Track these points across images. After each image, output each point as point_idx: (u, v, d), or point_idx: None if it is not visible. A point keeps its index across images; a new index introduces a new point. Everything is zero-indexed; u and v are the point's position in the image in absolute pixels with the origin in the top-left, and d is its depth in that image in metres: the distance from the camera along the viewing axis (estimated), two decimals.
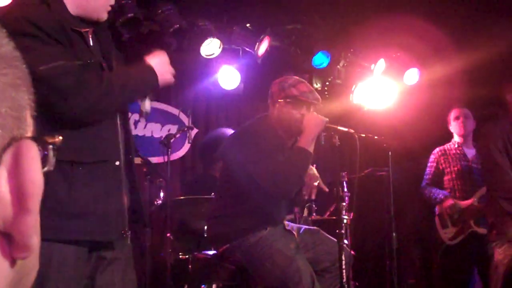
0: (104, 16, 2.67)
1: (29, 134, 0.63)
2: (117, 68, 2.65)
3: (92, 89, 2.45)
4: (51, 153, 0.67)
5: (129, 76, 2.63)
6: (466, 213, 5.35)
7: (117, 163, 2.57)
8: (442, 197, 5.49)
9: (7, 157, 0.58)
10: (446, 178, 5.64)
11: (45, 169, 0.66)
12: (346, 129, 3.75)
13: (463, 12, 6.00)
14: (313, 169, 3.84)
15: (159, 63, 2.72)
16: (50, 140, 0.65)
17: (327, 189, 3.81)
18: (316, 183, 3.83)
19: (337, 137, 3.77)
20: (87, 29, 2.61)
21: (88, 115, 2.47)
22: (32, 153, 0.60)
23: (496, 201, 4.41)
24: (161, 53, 2.77)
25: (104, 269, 2.61)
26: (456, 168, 5.58)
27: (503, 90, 4.74)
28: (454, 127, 5.71)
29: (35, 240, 0.61)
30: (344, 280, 3.57)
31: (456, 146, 5.68)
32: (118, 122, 2.65)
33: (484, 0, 5.92)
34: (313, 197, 3.90)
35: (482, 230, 5.28)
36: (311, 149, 3.63)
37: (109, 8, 2.69)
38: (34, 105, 0.67)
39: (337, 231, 3.59)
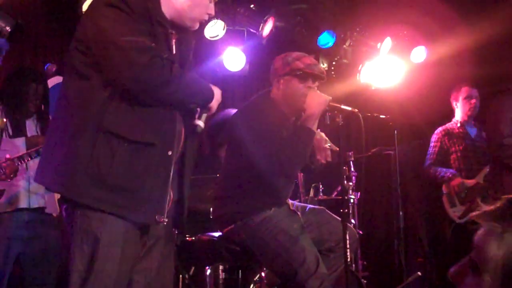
0: (196, 26, 2.77)
1: None
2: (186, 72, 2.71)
3: (160, 74, 2.48)
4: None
5: (196, 80, 2.72)
6: (473, 192, 5.30)
7: (170, 153, 2.60)
8: (450, 175, 5.46)
9: None
10: (452, 157, 5.61)
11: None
12: (349, 108, 3.67)
13: None
14: (321, 133, 3.77)
15: (217, 92, 2.80)
16: None
17: (338, 149, 3.72)
18: (327, 145, 3.76)
19: (340, 116, 3.69)
20: (172, 31, 2.67)
21: (151, 95, 2.51)
22: None
23: (503, 174, 4.37)
24: (218, 89, 2.85)
25: (144, 255, 2.67)
26: (461, 147, 5.56)
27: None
28: (463, 105, 5.65)
29: None
30: (349, 259, 3.52)
31: (459, 125, 5.65)
32: (179, 118, 2.67)
33: None
34: (329, 159, 3.80)
35: (489, 208, 5.22)
36: (314, 127, 3.57)
37: (203, 21, 2.79)
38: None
39: (341, 210, 3.53)
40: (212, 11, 2.78)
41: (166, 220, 2.61)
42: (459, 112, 5.69)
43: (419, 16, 6.21)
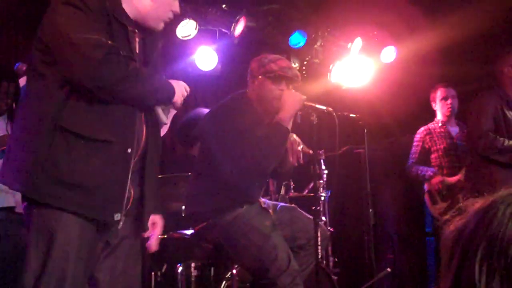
0: (160, 27, 2.72)
1: None
2: (145, 70, 2.67)
3: (118, 68, 2.46)
4: None
5: (154, 77, 2.68)
6: (454, 189, 5.37)
7: (129, 150, 2.57)
8: (431, 173, 5.52)
9: None
10: (433, 156, 5.66)
11: None
12: (324, 108, 3.72)
13: None
14: (293, 135, 3.78)
15: (178, 87, 2.75)
16: None
17: (310, 151, 3.74)
18: (300, 148, 3.78)
19: (315, 115, 3.72)
20: (133, 30, 2.63)
21: (107, 91, 2.47)
22: None
23: (489, 169, 4.42)
24: (182, 83, 2.81)
25: (108, 254, 2.63)
26: (442, 146, 5.60)
27: (497, 62, 4.73)
28: (441, 107, 5.71)
29: None
30: (319, 256, 3.54)
31: (440, 125, 5.70)
32: (140, 115, 2.64)
33: None
34: (301, 161, 3.82)
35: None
36: (289, 126, 3.58)
37: (168, 20, 2.74)
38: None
39: (313, 208, 3.55)
40: (177, 9, 2.74)
41: (124, 218, 2.58)
42: (439, 113, 5.74)
43: (388, 17, 6.26)
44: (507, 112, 4.57)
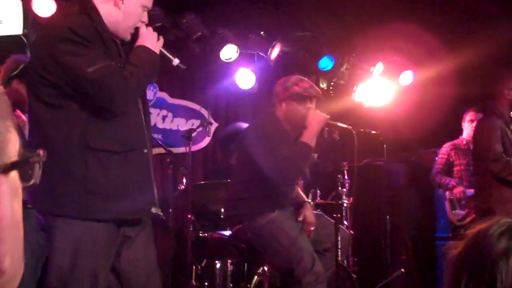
0: (128, 37, 2.64)
1: (9, 161, 0.60)
2: (132, 61, 2.58)
3: (129, 84, 2.46)
4: (36, 168, 0.65)
5: (139, 63, 2.55)
6: (472, 200, 5.31)
7: (145, 150, 2.59)
8: (454, 183, 5.49)
9: None
10: (455, 169, 5.63)
11: (31, 182, 0.64)
12: (345, 126, 3.70)
13: (452, 19, 5.92)
14: None
15: (148, 39, 2.63)
16: (34, 159, 0.63)
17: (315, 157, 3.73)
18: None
19: (337, 132, 3.72)
20: (118, 41, 2.62)
21: (127, 106, 2.52)
22: (2, 189, 0.58)
23: (499, 188, 4.35)
24: (147, 31, 2.66)
25: (129, 247, 2.61)
26: (465, 161, 5.56)
27: (498, 83, 4.63)
28: (466, 127, 5.66)
29: (7, 263, 0.59)
30: (340, 258, 3.54)
31: (465, 142, 5.65)
32: (142, 115, 2.65)
33: (469, 8, 5.83)
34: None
35: None
36: (313, 143, 3.57)
37: (132, 31, 2.64)
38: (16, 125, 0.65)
39: (334, 215, 3.55)
40: (145, 19, 2.63)
41: (159, 211, 2.62)
42: (465, 132, 5.70)
43: (407, 44, 6.22)
44: (509, 133, 4.49)
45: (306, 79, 3.83)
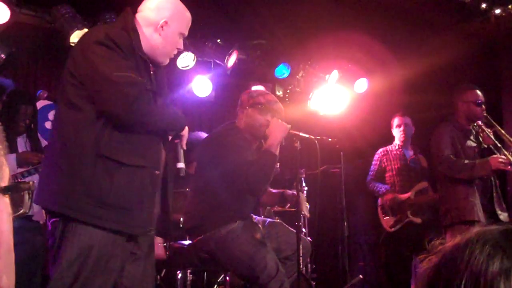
0: (166, 61, 2.76)
1: (2, 185, 0.59)
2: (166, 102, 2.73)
3: (150, 103, 2.49)
4: (26, 197, 0.64)
5: (172, 111, 2.72)
6: (404, 205, 5.42)
7: (157, 172, 2.63)
8: (384, 190, 5.58)
9: None
10: (387, 174, 5.72)
11: (21, 211, 0.63)
12: (307, 136, 3.76)
13: (402, 30, 6.06)
14: None
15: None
16: (25, 186, 0.62)
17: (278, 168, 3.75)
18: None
19: (298, 142, 3.76)
20: (150, 65, 2.67)
21: (139, 123, 2.52)
22: (0, 206, 0.57)
23: (454, 187, 4.48)
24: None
25: (132, 262, 2.66)
26: (396, 167, 5.65)
27: (454, 96, 4.77)
28: (396, 133, 5.79)
29: (4, 280, 0.58)
30: (301, 266, 3.56)
31: (397, 147, 5.76)
32: (160, 141, 2.69)
33: (419, 20, 5.98)
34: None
35: (417, 220, 5.37)
36: (276, 152, 3.61)
37: (172, 56, 2.78)
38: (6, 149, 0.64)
39: (296, 223, 3.58)
40: (181, 46, 2.77)
41: (153, 232, 2.66)
42: (396, 138, 5.81)
43: (361, 53, 6.34)
44: (463, 140, 4.63)
45: (271, 94, 3.95)
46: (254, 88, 3.97)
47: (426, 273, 1.09)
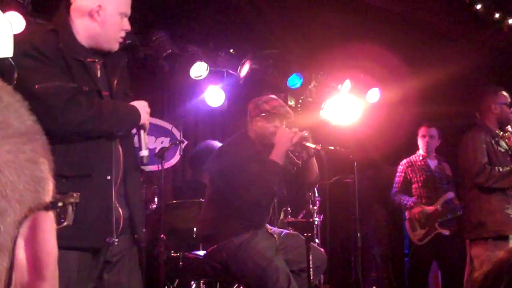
0: (115, 47, 2.58)
1: (48, 200, 0.58)
2: (109, 100, 2.54)
3: (81, 111, 2.37)
4: (70, 210, 0.63)
5: (117, 107, 2.54)
6: (431, 217, 5.34)
7: (108, 177, 2.47)
8: (412, 203, 5.46)
9: (25, 229, 0.53)
10: (413, 186, 5.60)
11: (65, 224, 0.62)
12: (313, 146, 3.57)
13: (415, 40, 6.03)
14: (304, 132, 3.59)
15: (142, 106, 2.63)
16: (69, 200, 0.61)
17: (318, 147, 3.56)
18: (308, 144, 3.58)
19: (304, 152, 3.64)
20: (93, 60, 2.53)
21: (74, 133, 2.40)
22: (47, 225, 0.55)
23: (488, 198, 4.38)
24: (144, 101, 2.68)
25: (110, 270, 2.54)
26: (422, 178, 5.55)
27: (484, 99, 4.63)
28: (420, 143, 5.70)
29: None
30: (314, 278, 3.51)
31: (421, 158, 5.66)
32: (116, 142, 2.54)
33: (432, 30, 5.96)
34: (312, 155, 3.61)
35: (445, 231, 5.30)
36: (281, 161, 3.51)
37: (120, 40, 2.60)
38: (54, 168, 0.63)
39: (305, 234, 3.51)
40: (127, 27, 2.58)
41: (117, 240, 2.48)
42: (420, 147, 5.72)
43: (374, 63, 6.30)
44: (495, 147, 4.48)
45: (277, 98, 3.83)
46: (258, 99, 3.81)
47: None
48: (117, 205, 2.51)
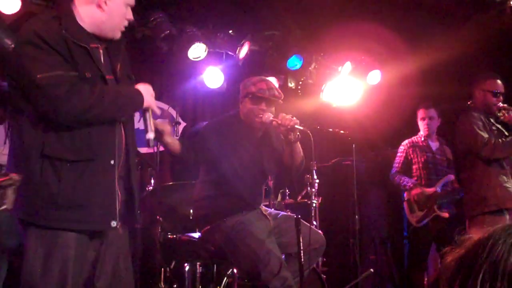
0: (117, 35, 2.61)
1: None
2: (112, 86, 2.53)
3: (82, 99, 2.37)
4: (8, 193, 0.57)
5: (119, 93, 2.54)
6: (430, 199, 5.28)
7: (112, 162, 2.49)
8: (411, 185, 5.38)
9: None
10: (414, 167, 5.53)
11: (3, 207, 0.56)
12: (301, 128, 3.47)
13: (416, 20, 5.93)
14: (283, 114, 3.52)
15: (146, 89, 2.64)
16: (7, 183, 0.55)
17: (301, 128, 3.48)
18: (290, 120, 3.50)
19: (298, 133, 3.57)
20: (96, 45, 2.54)
21: (77, 122, 2.40)
22: None
23: (487, 174, 4.42)
24: (148, 84, 2.69)
25: (99, 260, 2.54)
26: (422, 159, 5.48)
27: (472, 85, 4.70)
28: (420, 125, 5.62)
29: None
30: (312, 260, 3.46)
31: (423, 139, 5.59)
32: (119, 126, 2.55)
33: (434, 10, 5.85)
34: (296, 136, 3.52)
35: (444, 214, 5.25)
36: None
37: (123, 28, 2.62)
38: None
39: (295, 216, 3.40)
40: (131, 16, 2.62)
41: (119, 224, 2.51)
42: (421, 129, 5.64)
43: (375, 44, 6.23)
44: (490, 126, 4.55)
45: (267, 80, 3.75)
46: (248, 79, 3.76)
47: (450, 265, 1.11)
48: (118, 189, 2.52)
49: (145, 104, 2.61)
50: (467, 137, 4.50)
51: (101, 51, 2.55)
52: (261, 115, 3.55)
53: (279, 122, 3.47)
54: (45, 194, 2.35)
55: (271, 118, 3.52)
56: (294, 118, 3.48)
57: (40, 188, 2.35)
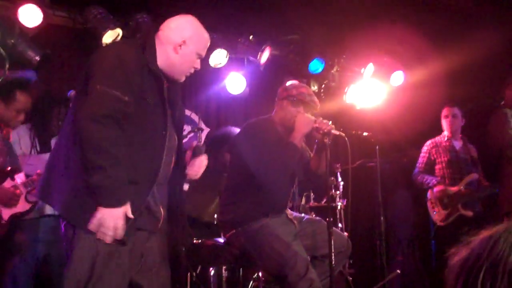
0: (182, 79, 2.77)
1: None
2: (122, 171, 2.43)
3: (100, 137, 2.36)
4: None
5: (116, 180, 2.39)
6: (454, 198, 5.21)
7: (154, 188, 2.60)
8: (435, 182, 5.34)
9: None
10: (437, 167, 5.49)
11: None
12: (337, 132, 3.58)
13: (441, 21, 5.87)
14: (320, 118, 3.61)
15: (112, 215, 2.42)
16: None
17: (339, 132, 3.58)
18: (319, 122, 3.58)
19: (327, 138, 3.60)
20: (164, 80, 2.66)
21: (79, 131, 2.40)
22: None
23: None
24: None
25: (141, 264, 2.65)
26: (446, 159, 5.43)
27: (503, 85, 4.76)
28: (444, 124, 5.57)
29: None
30: (339, 263, 3.45)
31: (446, 139, 5.53)
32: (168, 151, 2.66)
33: (458, 10, 5.78)
34: (329, 139, 3.55)
35: (468, 213, 5.18)
36: (299, 144, 3.53)
37: (188, 74, 2.76)
38: None
39: (327, 219, 3.45)
40: (198, 66, 2.78)
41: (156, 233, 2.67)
42: (444, 128, 5.60)
43: (397, 45, 6.19)
44: None
45: (308, 87, 3.87)
46: (289, 83, 3.87)
47: (456, 265, 1.10)
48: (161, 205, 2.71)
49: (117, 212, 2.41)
50: (498, 136, 4.51)
51: (165, 87, 2.66)
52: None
53: (317, 125, 3.54)
54: (86, 197, 2.39)
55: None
56: (330, 122, 3.55)
57: (82, 190, 2.40)
